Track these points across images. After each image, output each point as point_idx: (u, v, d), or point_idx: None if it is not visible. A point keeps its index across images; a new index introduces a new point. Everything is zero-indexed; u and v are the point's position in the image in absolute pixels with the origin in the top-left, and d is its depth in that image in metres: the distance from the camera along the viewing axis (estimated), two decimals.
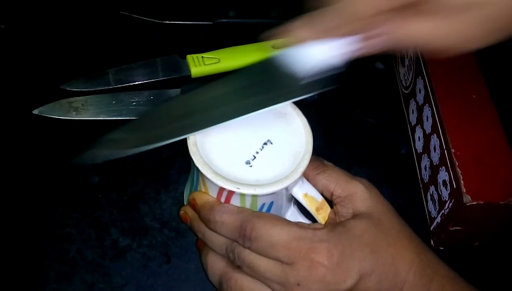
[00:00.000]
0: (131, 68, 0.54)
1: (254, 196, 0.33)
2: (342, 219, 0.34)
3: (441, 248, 0.45)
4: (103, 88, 0.52)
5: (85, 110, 0.50)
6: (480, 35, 0.27)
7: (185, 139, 0.34)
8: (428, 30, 0.27)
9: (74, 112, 0.50)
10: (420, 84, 0.49)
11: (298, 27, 0.30)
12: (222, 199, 0.34)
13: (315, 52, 0.30)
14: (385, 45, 0.29)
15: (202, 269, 0.37)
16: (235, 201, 0.34)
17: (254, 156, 0.34)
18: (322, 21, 0.29)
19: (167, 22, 0.58)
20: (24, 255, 0.42)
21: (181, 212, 0.38)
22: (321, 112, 0.52)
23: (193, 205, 0.35)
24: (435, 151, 0.44)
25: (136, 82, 0.53)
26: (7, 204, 0.45)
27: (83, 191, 0.46)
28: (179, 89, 0.52)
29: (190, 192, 0.37)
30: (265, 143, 0.35)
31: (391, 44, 0.29)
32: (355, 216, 0.34)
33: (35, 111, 0.49)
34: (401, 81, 0.55)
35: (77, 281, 0.41)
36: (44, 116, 0.49)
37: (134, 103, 0.51)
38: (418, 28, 0.27)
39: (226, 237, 0.34)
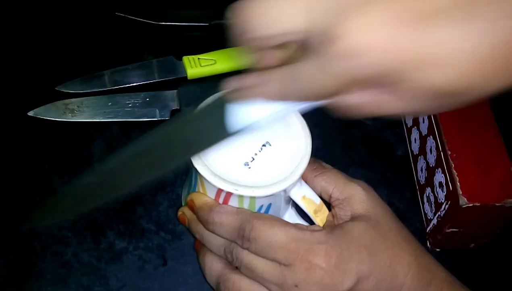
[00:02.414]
0: (127, 69, 0.53)
1: (252, 198, 0.33)
2: (340, 222, 0.34)
3: (437, 250, 0.45)
4: (99, 89, 0.52)
5: (81, 112, 0.50)
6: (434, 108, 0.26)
7: None
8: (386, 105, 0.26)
9: (70, 114, 0.49)
10: None
11: (262, 83, 0.28)
12: (220, 200, 0.34)
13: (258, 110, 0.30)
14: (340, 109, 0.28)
15: (200, 270, 0.37)
16: (233, 203, 0.34)
17: (253, 158, 0.34)
18: (287, 82, 0.27)
19: (163, 23, 0.58)
20: (20, 258, 0.42)
21: (179, 213, 0.38)
22: (318, 113, 0.52)
23: (191, 206, 0.35)
24: (431, 153, 0.45)
25: (132, 84, 0.53)
26: (2, 206, 0.44)
27: None
28: (175, 91, 0.52)
29: (188, 193, 0.37)
30: (263, 145, 0.35)
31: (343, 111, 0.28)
32: (353, 218, 0.34)
33: (31, 113, 0.49)
34: None
35: (73, 284, 0.41)
36: (39, 118, 0.49)
37: (130, 104, 0.51)
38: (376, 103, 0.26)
39: (225, 238, 0.34)
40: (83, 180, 0.33)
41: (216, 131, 0.31)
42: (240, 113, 0.30)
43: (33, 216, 0.34)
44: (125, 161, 0.33)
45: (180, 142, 0.32)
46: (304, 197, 0.35)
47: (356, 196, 0.34)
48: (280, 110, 0.29)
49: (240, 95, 0.29)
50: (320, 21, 0.23)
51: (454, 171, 0.40)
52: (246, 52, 0.29)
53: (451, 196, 0.40)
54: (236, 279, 0.34)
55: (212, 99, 0.33)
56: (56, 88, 0.51)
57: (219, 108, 0.31)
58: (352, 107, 0.26)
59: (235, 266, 0.34)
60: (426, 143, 0.46)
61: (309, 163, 0.34)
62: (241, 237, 0.32)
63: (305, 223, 0.37)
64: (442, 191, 0.42)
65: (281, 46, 0.28)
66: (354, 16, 0.22)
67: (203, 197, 0.35)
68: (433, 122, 0.44)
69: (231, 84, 0.29)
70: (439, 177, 0.43)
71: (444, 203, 0.42)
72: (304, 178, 0.36)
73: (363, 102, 0.26)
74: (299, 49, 0.27)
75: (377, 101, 0.25)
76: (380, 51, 0.22)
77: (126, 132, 0.50)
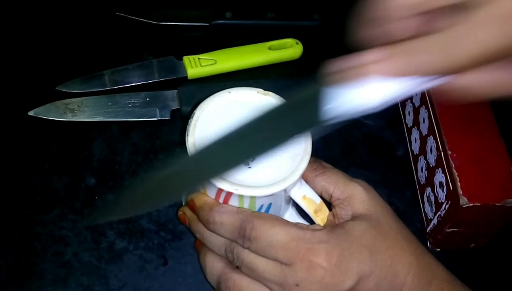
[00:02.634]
0: (127, 69, 0.53)
1: (253, 198, 0.33)
2: (341, 221, 0.34)
3: (438, 250, 0.45)
4: (99, 89, 0.52)
5: (81, 111, 0.50)
6: None
7: (184, 141, 0.34)
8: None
9: (70, 114, 0.49)
10: None
11: (380, 59, 0.25)
12: (221, 200, 0.34)
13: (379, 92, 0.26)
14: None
15: (200, 270, 0.37)
16: (233, 202, 0.34)
17: (253, 157, 0.34)
18: (418, 54, 0.24)
19: (164, 23, 0.58)
20: (20, 258, 0.42)
21: (180, 213, 0.38)
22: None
23: (191, 206, 0.35)
24: (431, 153, 0.45)
25: (132, 84, 0.53)
26: (2, 206, 0.44)
27: (79, 193, 0.45)
28: (175, 91, 0.52)
29: (189, 193, 0.37)
30: None
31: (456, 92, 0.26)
32: (354, 217, 0.34)
33: (31, 113, 0.49)
34: None
35: (73, 284, 0.41)
36: (39, 117, 0.49)
37: (130, 104, 0.51)
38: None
39: (225, 238, 0.34)
40: (163, 172, 0.31)
41: (310, 117, 0.28)
42: (347, 97, 0.27)
43: (97, 213, 0.33)
44: (212, 149, 0.31)
45: (270, 130, 0.30)
46: (304, 197, 0.35)
47: (357, 196, 0.34)
48: (389, 92, 0.26)
49: (352, 75, 0.26)
50: None
51: (455, 171, 0.40)
52: (368, 27, 0.27)
53: (452, 195, 0.40)
54: (237, 278, 0.34)
55: (308, 87, 0.30)
56: (56, 88, 0.51)
57: (316, 94, 0.28)
58: (468, 88, 0.25)
59: (235, 265, 0.34)
60: (426, 143, 0.46)
61: (310, 162, 0.34)
62: (242, 237, 0.32)
63: (305, 223, 0.37)
64: (443, 190, 0.42)
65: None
66: None
67: (204, 196, 0.35)
68: (434, 122, 0.44)
69: (334, 65, 0.27)
70: (439, 176, 0.43)
71: (445, 203, 0.42)
72: (304, 177, 0.36)
73: (481, 82, 0.24)
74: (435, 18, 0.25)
75: (498, 81, 0.24)
76: None
77: (126, 132, 0.50)
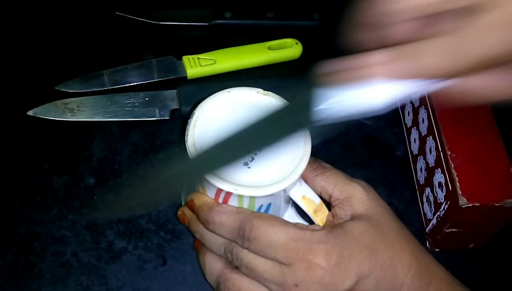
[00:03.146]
0: (127, 69, 0.53)
1: (252, 198, 0.33)
2: (341, 221, 0.34)
3: (437, 250, 0.45)
4: (99, 89, 0.52)
5: (81, 111, 0.50)
6: None
7: (183, 141, 0.34)
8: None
9: (69, 114, 0.49)
10: None
11: (382, 62, 0.25)
12: (220, 200, 0.34)
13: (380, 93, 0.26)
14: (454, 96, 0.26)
15: (199, 270, 0.37)
16: (233, 202, 0.34)
17: (252, 157, 0.34)
18: (420, 58, 0.24)
19: (163, 23, 0.58)
20: (19, 258, 0.42)
21: (179, 213, 0.38)
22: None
23: (191, 206, 0.35)
24: (430, 153, 0.45)
25: (132, 84, 0.53)
26: (2, 205, 0.44)
27: (79, 193, 0.45)
28: (174, 91, 0.52)
29: (188, 193, 0.37)
30: None
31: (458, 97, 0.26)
32: (354, 218, 0.34)
33: (30, 113, 0.49)
34: None
35: (72, 284, 0.41)
36: (39, 117, 0.49)
37: (130, 104, 0.51)
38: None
39: (225, 238, 0.34)
40: (163, 172, 0.31)
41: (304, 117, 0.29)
42: (349, 98, 0.27)
43: (97, 212, 0.33)
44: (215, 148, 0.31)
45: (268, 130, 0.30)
46: (304, 197, 0.35)
47: (357, 196, 0.34)
48: (405, 90, 0.26)
49: (356, 76, 0.26)
50: None
51: (454, 171, 0.40)
52: (359, 29, 0.26)
53: (451, 196, 0.40)
54: (236, 278, 0.34)
55: (301, 88, 0.30)
56: (55, 88, 0.51)
57: (308, 95, 0.28)
58: (471, 91, 0.25)
59: (235, 265, 0.34)
60: (425, 143, 0.46)
61: (309, 162, 0.34)
62: (241, 237, 0.32)
63: (305, 223, 0.37)
64: (442, 191, 0.42)
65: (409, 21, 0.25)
66: None
67: (203, 196, 0.35)
68: (433, 122, 0.44)
69: (330, 67, 0.27)
70: (438, 177, 0.43)
71: (444, 203, 0.42)
72: (304, 177, 0.36)
73: (484, 85, 0.24)
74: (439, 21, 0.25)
75: (500, 85, 0.24)
76: None
77: (126, 132, 0.50)
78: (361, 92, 0.26)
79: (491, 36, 0.22)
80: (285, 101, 0.36)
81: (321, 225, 0.35)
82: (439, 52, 0.23)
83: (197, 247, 0.38)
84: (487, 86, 0.25)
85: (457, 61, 0.23)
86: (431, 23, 0.26)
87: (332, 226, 0.34)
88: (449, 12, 0.24)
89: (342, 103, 0.27)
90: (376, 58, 0.25)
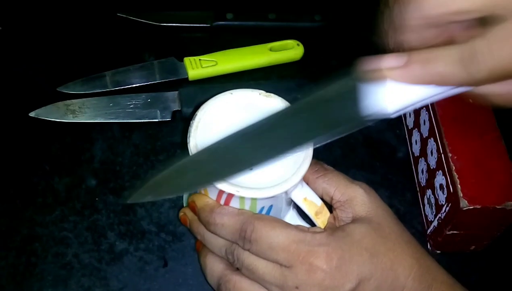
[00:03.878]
0: (129, 70, 0.53)
1: (254, 199, 0.33)
2: (342, 224, 0.34)
3: (438, 252, 0.45)
4: (100, 90, 0.52)
5: (82, 113, 0.50)
6: None
7: (185, 142, 0.34)
8: None
9: (71, 115, 0.49)
10: None
11: (408, 64, 0.25)
12: (222, 202, 0.34)
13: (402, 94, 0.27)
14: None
15: (200, 271, 0.37)
16: (234, 204, 0.34)
17: None
18: (440, 63, 0.25)
19: (164, 24, 0.58)
20: (21, 259, 0.42)
21: (181, 214, 0.38)
22: None
23: (192, 207, 0.35)
24: (432, 155, 0.45)
25: (133, 85, 0.53)
26: (3, 207, 0.44)
27: (80, 194, 0.45)
28: (176, 92, 0.52)
29: (190, 194, 0.37)
30: None
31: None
32: (355, 220, 0.34)
33: (32, 114, 0.49)
34: None
35: (73, 285, 0.41)
36: (40, 119, 0.49)
37: (131, 106, 0.51)
38: None
39: (226, 239, 0.34)
40: (193, 157, 0.32)
41: (347, 114, 0.29)
42: (377, 97, 0.27)
43: (138, 191, 0.32)
44: (241, 141, 0.31)
45: (303, 125, 0.30)
46: (305, 199, 0.35)
47: (358, 198, 0.34)
48: (418, 97, 0.27)
49: (379, 76, 0.26)
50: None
51: (455, 173, 0.40)
52: (393, 32, 0.27)
53: (452, 198, 0.40)
54: (237, 280, 0.34)
55: (342, 81, 0.29)
56: (57, 89, 0.51)
57: (351, 90, 0.28)
58: (492, 96, 0.25)
59: (236, 267, 0.34)
60: (427, 145, 0.46)
61: (311, 164, 0.34)
62: (242, 238, 0.32)
63: (306, 225, 0.37)
64: (443, 193, 0.42)
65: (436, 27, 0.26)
66: None
67: (205, 198, 0.35)
68: (434, 124, 0.44)
69: (370, 64, 0.27)
70: (439, 179, 0.43)
71: (445, 205, 0.42)
72: (305, 179, 0.35)
73: (506, 92, 0.24)
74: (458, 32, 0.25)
75: None
76: None
77: (127, 133, 0.50)
78: (376, 94, 0.27)
79: (504, 49, 0.22)
80: (287, 103, 0.36)
81: (322, 227, 0.35)
82: (450, 60, 0.24)
83: (198, 248, 0.38)
84: (500, 93, 0.25)
85: (468, 72, 0.23)
86: (445, 31, 0.26)
87: (333, 228, 0.34)
88: (466, 22, 0.24)
89: (363, 105, 0.28)
90: (389, 61, 0.26)
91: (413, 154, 0.50)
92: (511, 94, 0.24)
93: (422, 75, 0.25)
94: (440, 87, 0.26)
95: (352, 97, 0.28)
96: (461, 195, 0.39)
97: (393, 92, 0.27)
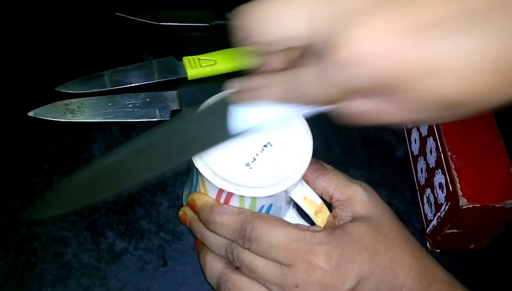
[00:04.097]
0: (127, 70, 0.53)
1: (253, 198, 0.33)
2: (341, 222, 0.34)
3: (437, 251, 0.45)
4: (99, 90, 0.52)
5: (81, 112, 0.50)
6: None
7: None
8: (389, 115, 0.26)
9: (70, 115, 0.49)
10: None
11: (266, 86, 0.27)
12: (221, 200, 0.34)
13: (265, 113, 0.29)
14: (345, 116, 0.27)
15: (200, 271, 0.37)
16: (234, 203, 0.34)
17: (254, 158, 0.34)
18: (294, 85, 0.26)
19: (163, 23, 0.58)
20: (20, 258, 0.42)
21: (180, 213, 0.38)
22: (318, 114, 0.52)
23: (192, 206, 0.35)
24: (431, 154, 0.45)
25: (132, 84, 0.53)
26: (2, 207, 0.44)
27: None
28: (175, 91, 0.52)
29: (189, 193, 0.37)
30: (265, 146, 0.35)
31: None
32: (354, 219, 0.34)
33: (30, 114, 0.49)
34: None
35: (73, 285, 0.41)
36: (39, 118, 0.49)
37: (130, 105, 0.51)
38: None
39: (226, 238, 0.34)
40: (83, 175, 0.33)
41: (218, 132, 0.31)
42: (243, 115, 0.30)
43: (33, 208, 0.34)
44: (125, 158, 0.32)
45: (181, 142, 0.32)
46: (305, 198, 0.35)
47: (357, 197, 0.34)
48: (283, 113, 0.29)
49: (244, 97, 0.29)
50: (323, 28, 0.23)
51: (454, 172, 0.40)
52: (250, 54, 0.28)
53: (451, 197, 0.40)
54: (237, 279, 0.34)
55: (214, 99, 0.33)
56: (56, 89, 0.51)
57: (222, 109, 0.30)
58: (354, 115, 0.26)
59: (236, 266, 0.34)
60: (426, 144, 0.46)
61: (311, 163, 0.34)
62: (242, 237, 0.32)
63: (306, 224, 0.37)
64: (442, 192, 0.42)
65: (285, 50, 0.27)
66: (357, 25, 0.21)
67: (204, 197, 0.35)
68: (433, 123, 0.44)
69: (234, 85, 0.29)
70: (439, 177, 0.43)
71: (444, 204, 0.42)
72: (305, 178, 0.36)
73: (366, 110, 0.25)
74: (302, 54, 0.27)
75: (380, 110, 0.25)
76: (382, 61, 0.21)
77: (126, 132, 0.50)
78: (253, 110, 0.29)
79: (343, 72, 0.22)
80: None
81: (322, 226, 0.35)
82: (309, 81, 0.24)
83: (198, 247, 0.38)
84: (369, 110, 0.25)
85: (323, 91, 0.24)
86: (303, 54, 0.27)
87: (333, 227, 0.34)
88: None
89: (244, 120, 0.30)
90: (262, 81, 0.27)
91: (412, 152, 0.50)
92: (378, 111, 0.25)
93: (286, 94, 0.26)
94: (300, 106, 0.27)
95: (222, 116, 0.30)
96: (460, 193, 0.39)
97: (248, 111, 0.29)
